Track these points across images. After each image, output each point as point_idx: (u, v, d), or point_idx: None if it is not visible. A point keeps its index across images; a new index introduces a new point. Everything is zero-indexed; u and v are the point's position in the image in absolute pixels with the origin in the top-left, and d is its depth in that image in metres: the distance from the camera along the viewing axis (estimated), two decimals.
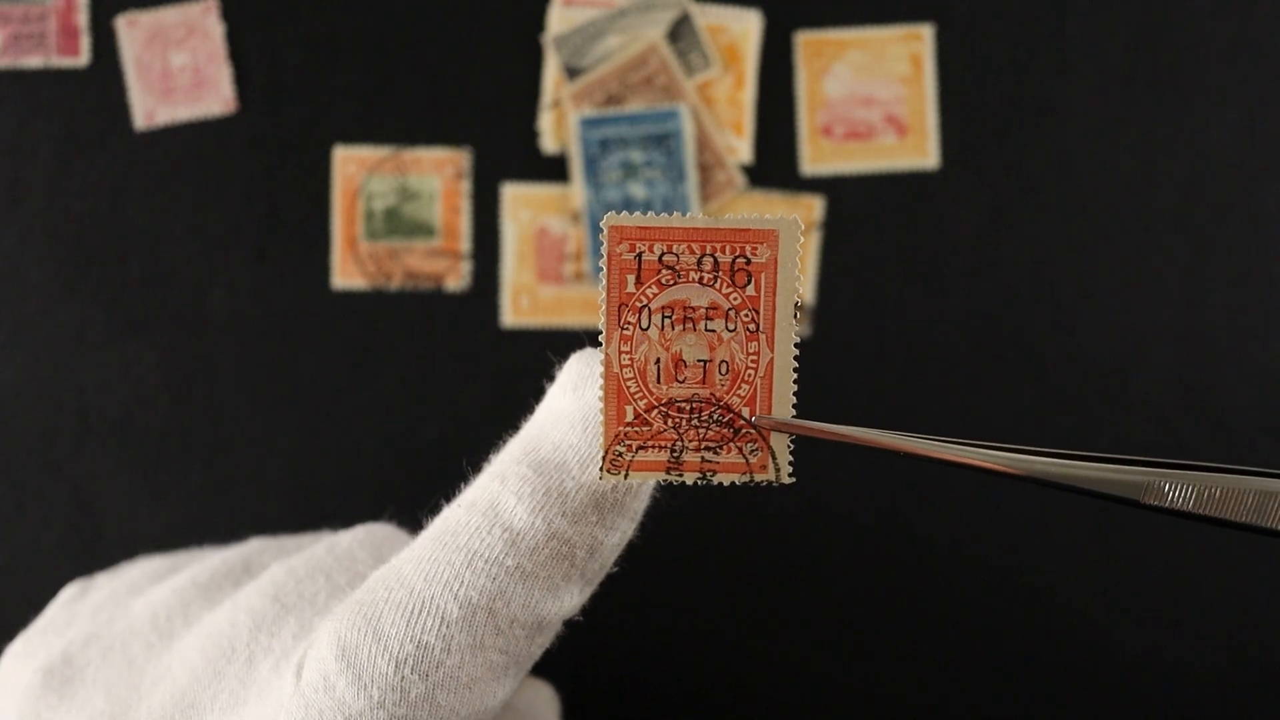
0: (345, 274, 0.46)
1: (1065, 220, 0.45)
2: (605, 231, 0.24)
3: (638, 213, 0.24)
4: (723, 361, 0.25)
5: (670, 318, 0.25)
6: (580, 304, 0.46)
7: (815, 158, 0.45)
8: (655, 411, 0.25)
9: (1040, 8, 0.45)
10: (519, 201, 0.46)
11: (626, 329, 0.25)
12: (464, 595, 0.25)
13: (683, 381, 0.25)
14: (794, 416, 0.25)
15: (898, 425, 0.47)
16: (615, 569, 0.27)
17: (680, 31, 0.45)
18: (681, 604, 0.45)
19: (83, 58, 0.46)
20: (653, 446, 0.25)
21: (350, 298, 0.46)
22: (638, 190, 0.45)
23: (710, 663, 0.45)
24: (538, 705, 0.34)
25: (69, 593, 0.35)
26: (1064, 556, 0.45)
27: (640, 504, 0.26)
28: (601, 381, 0.25)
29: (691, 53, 0.45)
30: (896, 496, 0.45)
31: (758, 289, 0.24)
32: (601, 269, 0.24)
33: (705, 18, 0.45)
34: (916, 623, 0.45)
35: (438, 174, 0.46)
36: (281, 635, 0.28)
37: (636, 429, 0.25)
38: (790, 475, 0.25)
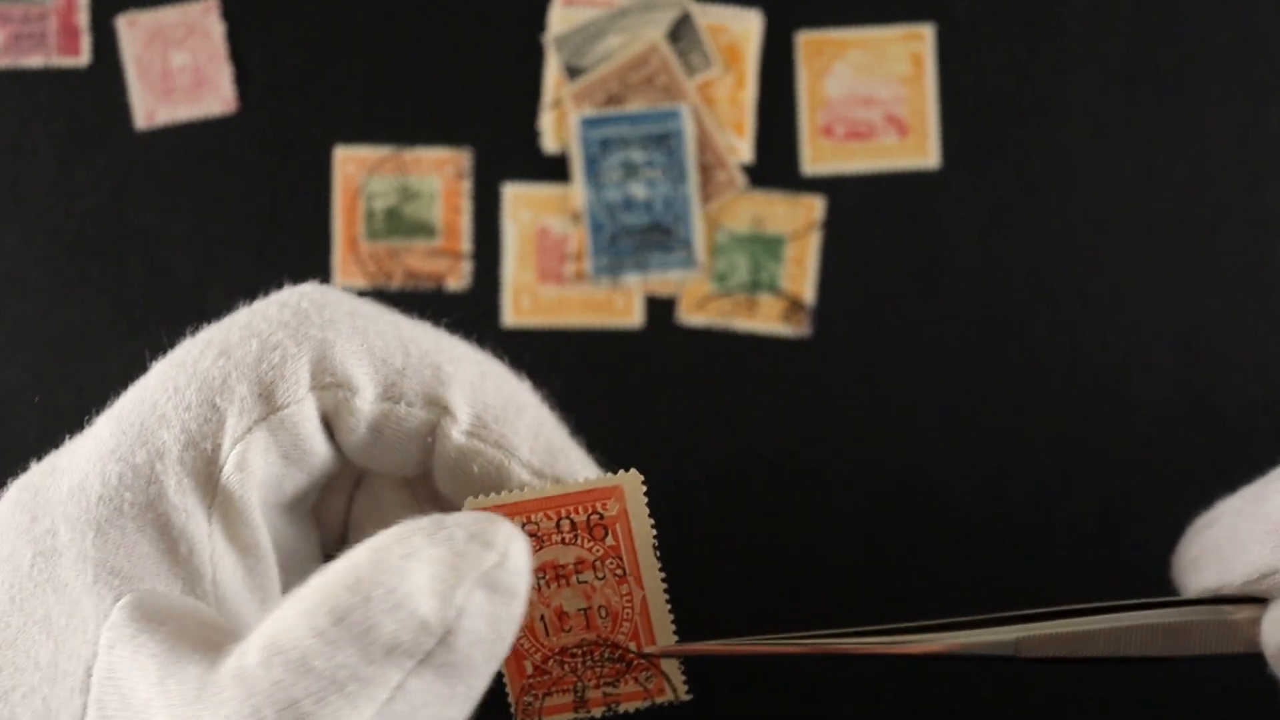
0: (346, 274, 0.46)
1: (1065, 220, 0.45)
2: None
3: (494, 494, 0.26)
4: (600, 606, 0.26)
5: (544, 578, 0.26)
6: (581, 304, 0.46)
7: (816, 158, 0.45)
8: (551, 660, 0.27)
9: (1040, 8, 0.45)
10: (520, 201, 0.46)
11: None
12: (446, 342, 0.27)
13: (569, 630, 0.27)
14: (677, 641, 0.27)
15: (897, 425, 0.47)
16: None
17: (681, 31, 0.45)
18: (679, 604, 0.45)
19: (83, 57, 0.46)
20: (557, 691, 0.27)
21: None
22: (638, 190, 0.45)
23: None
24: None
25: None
26: (1063, 558, 0.45)
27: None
28: None
29: (692, 53, 0.45)
30: (896, 496, 0.45)
31: (615, 539, 0.26)
32: None
33: (706, 18, 0.45)
34: (912, 620, 0.45)
35: (438, 174, 0.46)
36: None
37: (538, 679, 0.27)
38: (687, 693, 0.27)
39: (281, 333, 0.25)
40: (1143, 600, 0.26)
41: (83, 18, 0.46)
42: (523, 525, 0.26)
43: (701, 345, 0.45)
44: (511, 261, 0.46)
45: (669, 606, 0.26)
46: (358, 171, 0.46)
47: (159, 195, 0.46)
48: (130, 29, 0.46)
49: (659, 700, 0.27)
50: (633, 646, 0.26)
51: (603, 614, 0.26)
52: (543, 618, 0.26)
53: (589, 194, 0.45)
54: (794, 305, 0.45)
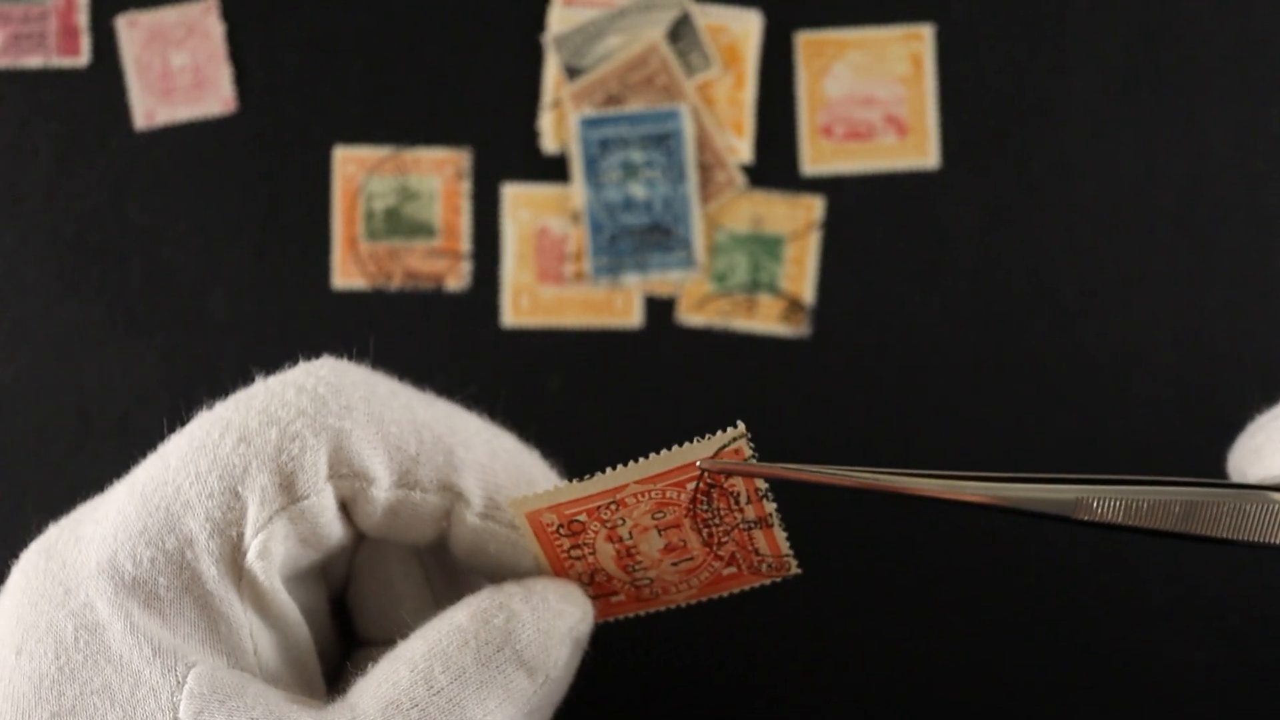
0: (345, 274, 0.46)
1: (1065, 220, 0.45)
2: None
3: (533, 494, 0.27)
4: (653, 517, 0.27)
5: (635, 568, 0.27)
6: (581, 304, 0.46)
7: (815, 158, 0.45)
8: (719, 552, 0.27)
9: (1040, 8, 0.45)
10: (519, 201, 0.46)
11: (657, 593, 0.28)
12: (453, 418, 0.29)
13: (686, 542, 0.27)
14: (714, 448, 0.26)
15: (897, 425, 0.47)
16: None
17: (680, 31, 0.45)
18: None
19: (83, 58, 0.46)
20: (753, 541, 0.27)
21: (350, 298, 0.46)
22: (638, 190, 0.45)
23: (706, 661, 0.45)
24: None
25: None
26: (1063, 553, 0.45)
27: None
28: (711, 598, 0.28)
29: (692, 53, 0.45)
30: (895, 495, 0.45)
31: (581, 515, 0.27)
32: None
33: (705, 18, 0.45)
34: (912, 620, 0.45)
35: (438, 174, 0.46)
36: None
37: (741, 562, 0.27)
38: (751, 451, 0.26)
39: (300, 421, 0.26)
40: (1205, 479, 0.25)
41: (82, 18, 0.46)
42: (584, 574, 0.28)
43: (701, 345, 0.46)
44: (511, 261, 0.46)
45: (642, 459, 0.26)
46: (357, 171, 0.46)
47: (159, 195, 0.46)
48: (130, 29, 0.46)
49: (750, 456, 0.27)
50: (692, 485, 0.26)
51: (662, 515, 0.27)
52: (674, 565, 0.27)
53: (588, 194, 0.45)
54: (793, 305, 0.45)
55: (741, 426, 0.25)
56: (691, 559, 0.27)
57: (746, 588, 0.28)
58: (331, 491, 0.26)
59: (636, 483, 0.26)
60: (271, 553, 0.25)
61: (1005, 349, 0.45)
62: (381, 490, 0.26)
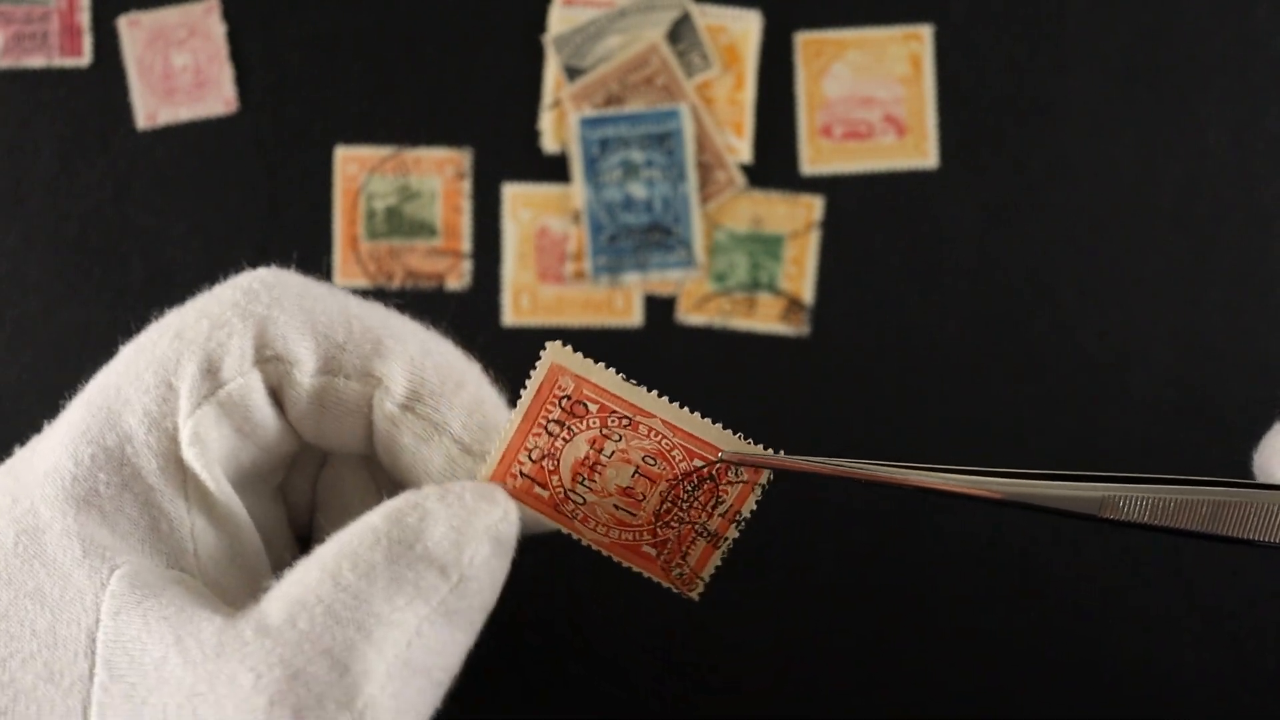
0: (346, 273, 0.46)
1: (1064, 219, 0.45)
2: (495, 488, 0.26)
3: (484, 459, 0.27)
4: (644, 458, 0.26)
5: (584, 479, 0.26)
6: (581, 303, 0.46)
7: (815, 158, 0.46)
8: (658, 528, 0.27)
9: (1040, 8, 0.45)
10: (519, 201, 0.46)
11: (575, 515, 0.27)
12: (386, 314, 0.28)
13: (645, 497, 0.26)
14: (735, 433, 0.26)
15: (895, 426, 0.47)
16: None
17: (680, 32, 0.45)
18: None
19: (85, 58, 0.46)
20: (689, 548, 0.27)
21: None
22: (638, 190, 0.45)
23: (707, 661, 0.45)
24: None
25: None
26: (1063, 559, 0.45)
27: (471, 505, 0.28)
28: (611, 557, 0.27)
29: (692, 53, 0.45)
30: (894, 494, 0.45)
31: (596, 400, 0.26)
32: (518, 506, 0.26)
33: (705, 18, 0.45)
34: (913, 624, 0.45)
35: (438, 174, 0.46)
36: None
37: (665, 551, 0.27)
38: (771, 476, 0.27)
39: (230, 312, 0.26)
40: (1233, 480, 0.25)
41: (84, 18, 0.46)
42: (530, 456, 0.26)
43: (701, 344, 0.46)
44: (511, 261, 0.46)
45: (687, 409, 0.26)
46: (358, 171, 0.46)
47: (160, 195, 0.46)
48: (132, 29, 0.46)
49: (763, 483, 0.27)
50: (699, 464, 0.26)
51: (652, 462, 0.26)
52: (616, 505, 0.27)
53: (589, 194, 0.45)
54: (793, 304, 0.46)
55: (768, 475, 0.26)
56: (634, 516, 0.27)
57: (644, 574, 0.27)
58: (258, 376, 0.26)
59: (663, 422, 0.26)
60: (204, 440, 0.26)
61: (1004, 348, 0.45)
62: (306, 375, 0.26)
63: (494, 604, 0.25)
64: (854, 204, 0.46)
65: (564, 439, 0.26)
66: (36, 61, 0.46)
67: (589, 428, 0.26)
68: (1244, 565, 0.45)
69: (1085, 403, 0.45)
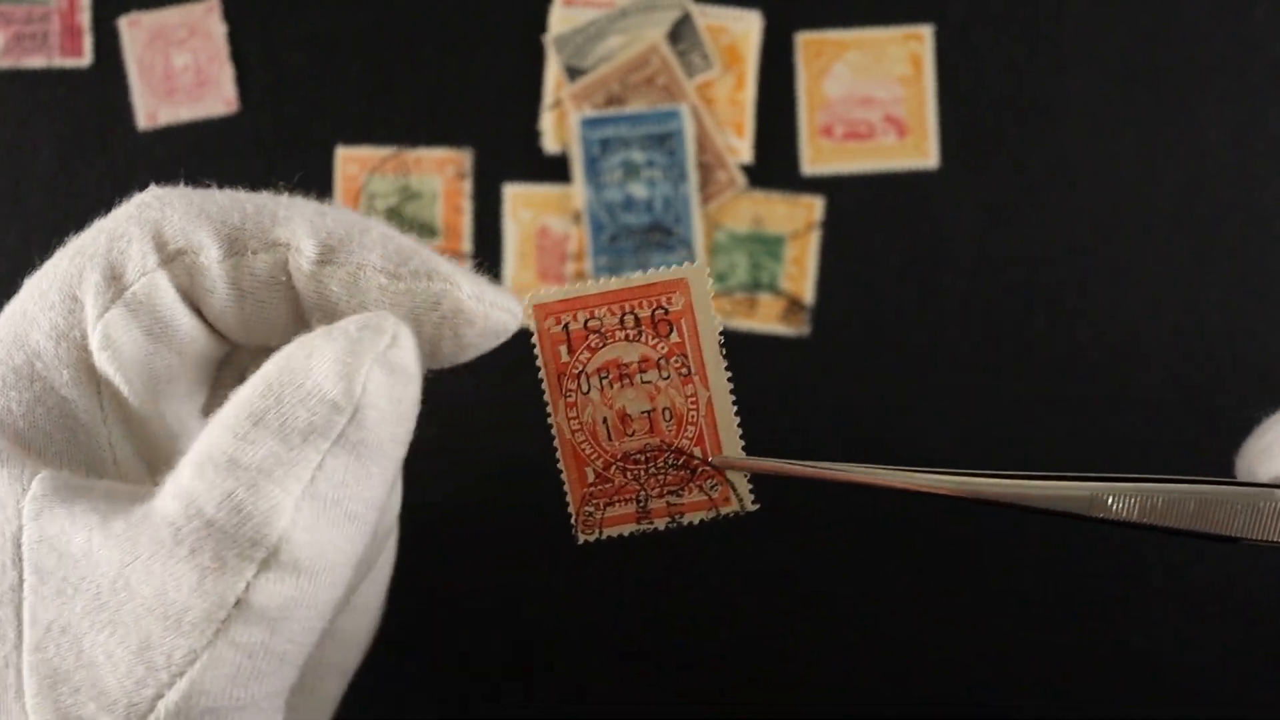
0: None
1: (1064, 220, 0.45)
2: (530, 310, 0.26)
3: (554, 286, 0.26)
4: (665, 409, 0.26)
5: (607, 378, 0.26)
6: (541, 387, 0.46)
7: (815, 158, 0.46)
8: (613, 467, 0.26)
9: (1039, 8, 0.46)
10: (520, 201, 0.46)
11: (570, 396, 0.26)
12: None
13: (632, 435, 0.26)
14: (743, 448, 0.26)
15: (895, 426, 0.47)
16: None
17: (681, 32, 0.45)
18: (682, 602, 0.46)
19: (85, 58, 0.46)
20: (619, 500, 0.26)
21: None
22: (639, 190, 0.45)
23: (707, 661, 0.45)
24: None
25: None
26: (1065, 554, 0.45)
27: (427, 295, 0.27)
28: (558, 452, 0.26)
29: (692, 53, 0.45)
30: (894, 495, 0.45)
31: (681, 335, 0.26)
32: (534, 344, 0.26)
33: (706, 18, 0.45)
34: (915, 619, 0.45)
35: (439, 174, 0.46)
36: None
37: (600, 487, 0.26)
38: (754, 503, 0.27)
39: (126, 222, 0.27)
40: (1219, 478, 0.25)
41: (85, 18, 0.46)
42: (585, 321, 0.26)
43: None
44: (512, 261, 0.46)
45: (735, 409, 0.26)
46: (359, 171, 0.46)
47: None
48: (132, 29, 0.46)
49: (724, 511, 0.26)
50: (698, 452, 0.26)
51: (667, 416, 0.26)
52: (605, 420, 0.26)
53: (589, 194, 0.45)
54: (793, 305, 0.46)
55: (732, 511, 0.26)
56: (608, 441, 0.26)
57: (563, 486, 0.26)
58: (164, 275, 0.26)
59: (709, 400, 0.26)
60: (115, 343, 0.26)
61: (1004, 348, 0.45)
62: (213, 261, 0.26)
63: (408, 434, 0.25)
64: (854, 204, 0.46)
65: (626, 337, 0.26)
66: (37, 61, 0.46)
67: (653, 347, 0.26)
68: (1241, 560, 0.45)
69: (1085, 402, 0.45)
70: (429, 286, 0.26)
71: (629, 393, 0.26)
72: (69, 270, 0.26)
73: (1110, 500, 0.25)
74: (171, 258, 0.26)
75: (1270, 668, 0.45)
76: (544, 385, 0.26)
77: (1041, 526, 0.45)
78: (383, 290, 0.26)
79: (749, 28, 0.45)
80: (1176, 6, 0.45)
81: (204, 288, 0.26)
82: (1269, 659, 0.45)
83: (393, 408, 0.24)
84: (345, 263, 0.26)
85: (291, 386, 0.23)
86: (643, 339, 0.26)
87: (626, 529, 0.26)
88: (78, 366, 0.26)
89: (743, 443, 0.26)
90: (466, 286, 0.27)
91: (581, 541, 0.26)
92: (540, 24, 0.46)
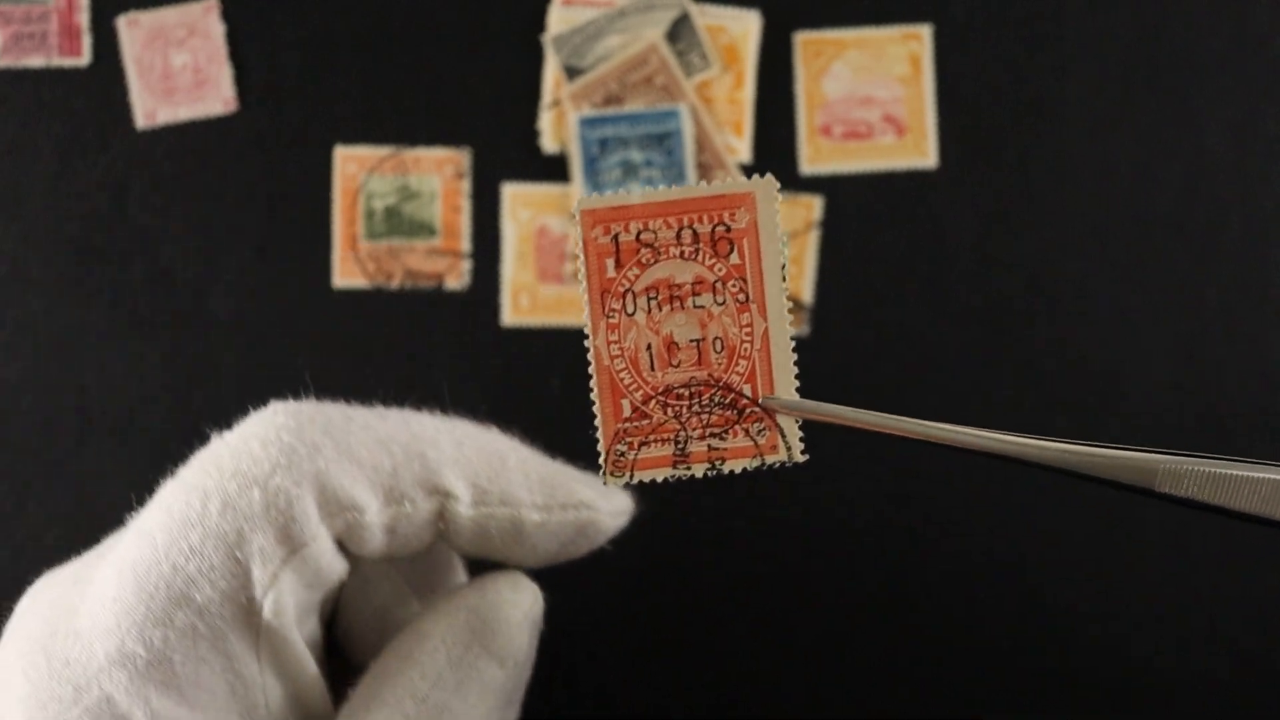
0: (346, 273, 0.46)
1: (1063, 220, 0.45)
2: (578, 216, 0.23)
3: (608, 192, 0.24)
4: (716, 338, 0.23)
5: (656, 299, 0.23)
6: (580, 303, 0.46)
7: (814, 157, 0.46)
8: (653, 401, 0.23)
9: (1040, 8, 0.45)
10: (519, 201, 0.46)
11: (612, 316, 0.23)
12: (409, 419, 0.28)
13: (678, 365, 0.23)
14: (797, 389, 0.24)
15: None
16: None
17: (680, 31, 0.45)
18: (681, 603, 0.46)
19: (84, 58, 0.46)
20: (655, 440, 0.23)
21: (351, 297, 0.46)
22: (638, 190, 0.45)
23: (708, 665, 0.45)
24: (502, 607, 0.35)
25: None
26: (1066, 560, 0.45)
27: (569, 524, 0.29)
28: (594, 379, 0.24)
29: (691, 53, 0.45)
30: (898, 497, 0.45)
31: (742, 256, 0.23)
32: (579, 256, 0.23)
33: (705, 18, 0.45)
34: (916, 625, 0.45)
35: (438, 173, 0.46)
36: None
37: (636, 424, 0.23)
38: (803, 453, 0.24)
39: (278, 475, 0.26)
40: None
41: (84, 18, 0.46)
42: (638, 233, 0.23)
43: None
44: (511, 261, 0.46)
45: (793, 345, 0.23)
46: (358, 171, 0.46)
47: (160, 195, 0.46)
48: (131, 29, 0.46)
49: (769, 461, 0.24)
50: (747, 390, 0.23)
51: (718, 347, 0.23)
52: (650, 347, 0.23)
53: (588, 193, 0.45)
54: (792, 305, 0.46)
55: (780, 460, 0.23)
56: (650, 372, 0.23)
57: (594, 420, 0.23)
58: (327, 533, 0.27)
59: (765, 332, 0.23)
60: (283, 605, 0.26)
61: (1003, 348, 0.45)
62: (374, 515, 0.27)
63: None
64: (853, 204, 0.46)
65: (682, 254, 0.23)
66: (36, 61, 0.46)
67: (710, 268, 0.23)
68: (1243, 566, 0.45)
69: (1083, 403, 0.45)
70: (576, 516, 0.28)
71: (678, 317, 0.23)
72: (223, 527, 0.26)
73: (1181, 474, 0.24)
74: (333, 515, 0.27)
75: (1266, 679, 0.45)
76: (585, 301, 0.23)
77: (1038, 534, 0.45)
78: (538, 528, 0.28)
79: (748, 27, 0.45)
80: (1176, 6, 0.45)
81: (361, 537, 0.27)
82: (1265, 671, 0.45)
83: (531, 657, 0.28)
84: (499, 505, 0.28)
85: (460, 647, 0.27)
86: (699, 257, 0.23)
87: (661, 473, 0.23)
88: (244, 626, 0.26)
89: (798, 384, 0.24)
90: (604, 507, 0.29)
91: (608, 484, 0.24)
92: (539, 23, 0.46)
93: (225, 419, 0.46)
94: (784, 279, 0.23)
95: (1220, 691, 0.45)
